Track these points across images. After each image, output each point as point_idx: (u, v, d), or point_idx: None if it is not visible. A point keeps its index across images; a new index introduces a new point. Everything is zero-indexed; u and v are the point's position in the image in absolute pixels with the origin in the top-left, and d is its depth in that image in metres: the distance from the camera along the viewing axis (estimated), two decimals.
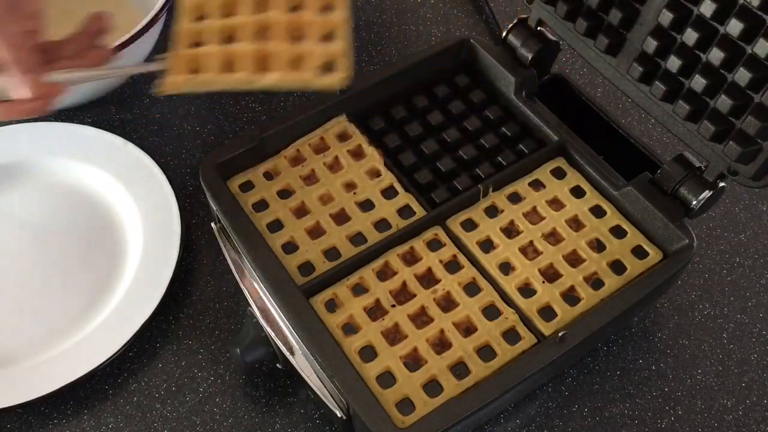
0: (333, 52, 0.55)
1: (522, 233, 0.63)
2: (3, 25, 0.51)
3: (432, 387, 0.55)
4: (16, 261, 0.69)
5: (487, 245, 0.62)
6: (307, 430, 0.61)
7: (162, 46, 0.84)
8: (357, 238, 0.63)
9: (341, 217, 0.63)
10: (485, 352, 0.57)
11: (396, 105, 0.71)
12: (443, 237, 0.63)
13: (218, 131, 0.78)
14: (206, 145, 0.77)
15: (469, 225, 0.63)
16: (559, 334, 0.54)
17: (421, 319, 0.59)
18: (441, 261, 0.61)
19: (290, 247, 0.62)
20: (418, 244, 0.62)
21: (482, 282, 0.60)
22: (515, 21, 0.69)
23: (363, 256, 0.60)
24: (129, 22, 0.73)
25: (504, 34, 0.70)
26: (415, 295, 0.60)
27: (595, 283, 0.60)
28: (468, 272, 0.61)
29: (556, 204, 0.64)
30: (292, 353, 0.57)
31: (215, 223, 0.64)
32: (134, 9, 0.81)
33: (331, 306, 0.59)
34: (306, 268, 0.61)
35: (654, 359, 0.65)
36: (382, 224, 0.63)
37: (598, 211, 0.63)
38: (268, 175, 0.65)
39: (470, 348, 0.57)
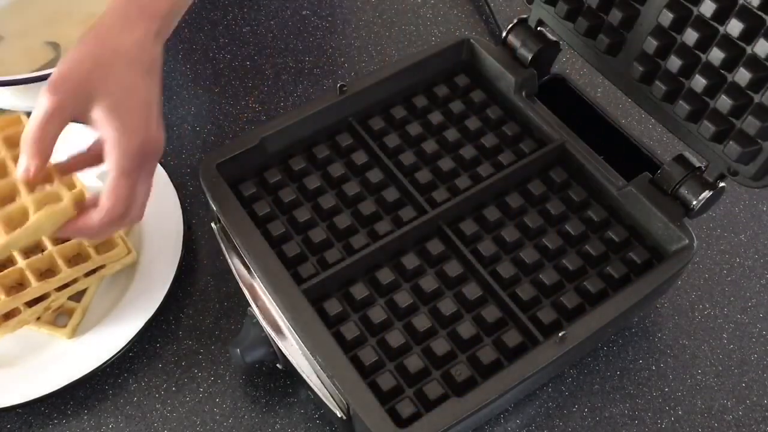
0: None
1: None
2: None
3: (432, 387, 0.55)
4: None
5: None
6: (307, 430, 0.61)
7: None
8: (358, 240, 0.63)
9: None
10: (485, 353, 0.57)
11: (396, 105, 0.71)
12: (443, 238, 0.63)
13: (218, 131, 0.78)
14: (206, 145, 0.77)
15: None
16: (559, 334, 0.54)
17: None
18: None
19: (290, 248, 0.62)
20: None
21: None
22: (515, 21, 0.69)
23: (363, 257, 0.60)
24: None
25: (504, 34, 0.70)
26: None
27: None
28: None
29: None
30: (291, 352, 0.57)
31: (215, 223, 0.64)
32: None
33: (332, 306, 0.59)
34: (306, 268, 0.61)
35: (654, 359, 0.65)
36: (382, 225, 0.63)
37: None
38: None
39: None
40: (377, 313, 0.59)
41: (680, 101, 0.58)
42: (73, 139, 0.74)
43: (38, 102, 0.52)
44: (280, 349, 0.58)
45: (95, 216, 0.54)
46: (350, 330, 0.58)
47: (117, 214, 0.53)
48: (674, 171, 0.61)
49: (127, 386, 0.63)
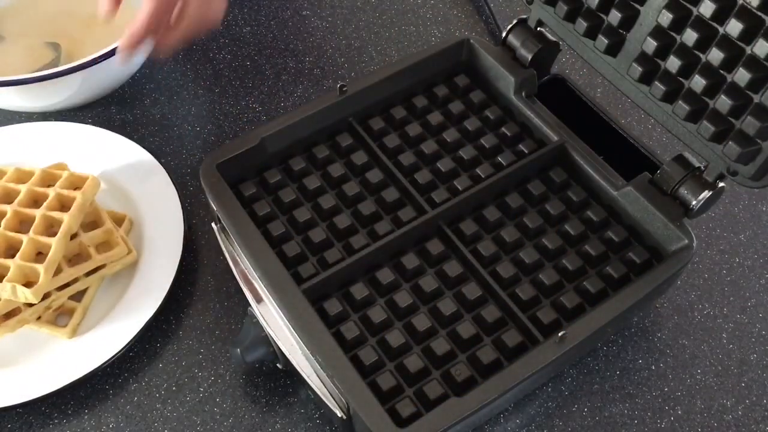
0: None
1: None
2: None
3: (432, 387, 0.55)
4: None
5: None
6: (307, 430, 0.61)
7: None
8: (358, 240, 0.63)
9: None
10: (485, 353, 0.57)
11: (396, 105, 0.71)
12: (443, 238, 0.63)
13: (219, 131, 0.78)
14: (207, 145, 0.77)
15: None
16: (559, 334, 0.54)
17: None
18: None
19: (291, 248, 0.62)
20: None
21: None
22: (515, 21, 0.70)
23: (363, 257, 0.60)
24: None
25: (504, 34, 0.70)
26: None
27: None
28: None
29: None
30: (291, 352, 0.57)
31: (216, 223, 0.64)
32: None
33: (332, 306, 0.59)
34: (306, 268, 0.61)
35: (654, 359, 0.65)
36: (382, 225, 0.63)
37: None
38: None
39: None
40: (377, 313, 0.59)
41: (680, 101, 0.58)
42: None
43: None
44: (280, 349, 0.58)
45: (137, 18, 0.57)
46: (350, 330, 0.58)
47: (158, 14, 0.56)
48: (674, 171, 0.61)
49: (128, 386, 0.63)
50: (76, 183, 0.67)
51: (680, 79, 0.58)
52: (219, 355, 0.64)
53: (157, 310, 0.63)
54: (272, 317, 0.58)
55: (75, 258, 0.65)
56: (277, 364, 0.61)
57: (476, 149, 0.68)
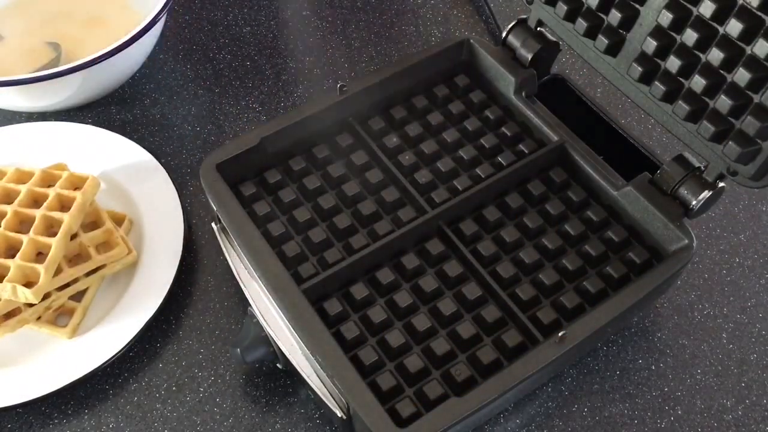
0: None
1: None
2: None
3: (432, 387, 0.55)
4: None
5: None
6: (307, 430, 0.61)
7: (162, 47, 0.85)
8: (358, 240, 0.63)
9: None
10: (485, 353, 0.57)
11: (396, 105, 0.71)
12: (443, 238, 0.63)
13: (219, 131, 0.78)
14: (207, 145, 0.77)
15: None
16: (559, 334, 0.54)
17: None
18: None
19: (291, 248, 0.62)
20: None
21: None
22: (515, 21, 0.70)
23: (363, 257, 0.60)
24: (129, 22, 0.73)
25: (504, 34, 0.70)
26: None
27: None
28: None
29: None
30: (291, 352, 0.57)
31: (216, 223, 0.64)
32: (134, 9, 0.82)
33: (332, 306, 0.59)
34: (306, 268, 0.61)
35: (654, 359, 0.65)
36: (382, 225, 0.63)
37: None
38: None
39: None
40: (377, 313, 0.59)
41: (679, 101, 0.58)
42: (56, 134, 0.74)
43: None
44: (280, 349, 0.58)
45: None
46: (350, 330, 0.58)
47: None
48: (674, 171, 0.61)
49: (128, 386, 0.63)
50: (76, 183, 0.67)
51: (680, 79, 0.58)
52: (219, 355, 0.64)
53: (157, 310, 0.63)
54: (272, 317, 0.58)
55: (75, 258, 0.65)
56: (277, 364, 0.61)
57: (476, 149, 0.68)
